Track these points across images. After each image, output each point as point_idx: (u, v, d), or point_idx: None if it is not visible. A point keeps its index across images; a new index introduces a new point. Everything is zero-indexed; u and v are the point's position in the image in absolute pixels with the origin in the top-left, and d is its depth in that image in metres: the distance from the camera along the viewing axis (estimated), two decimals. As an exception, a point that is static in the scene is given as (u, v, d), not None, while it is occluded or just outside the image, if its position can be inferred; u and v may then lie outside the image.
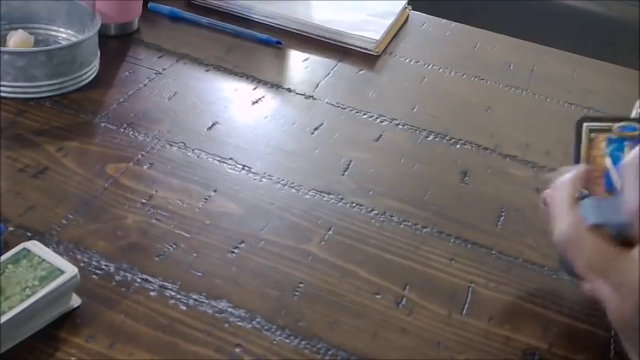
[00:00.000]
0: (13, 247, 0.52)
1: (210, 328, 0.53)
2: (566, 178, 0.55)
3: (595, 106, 0.91)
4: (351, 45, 0.95)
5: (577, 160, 0.58)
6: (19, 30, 0.79)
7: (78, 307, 0.53)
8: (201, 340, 0.52)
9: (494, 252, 0.65)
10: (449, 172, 0.75)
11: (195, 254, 0.60)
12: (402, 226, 0.67)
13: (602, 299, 0.49)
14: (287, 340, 0.53)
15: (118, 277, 0.56)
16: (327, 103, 0.83)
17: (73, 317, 0.52)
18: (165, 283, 0.56)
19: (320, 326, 0.55)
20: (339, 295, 0.58)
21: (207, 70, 0.86)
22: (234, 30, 0.94)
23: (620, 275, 0.48)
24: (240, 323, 0.54)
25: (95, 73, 0.80)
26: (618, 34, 1.74)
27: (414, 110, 0.85)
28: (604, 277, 0.49)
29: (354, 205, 0.68)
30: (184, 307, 0.55)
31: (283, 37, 0.94)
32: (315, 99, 0.84)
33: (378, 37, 0.95)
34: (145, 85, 0.81)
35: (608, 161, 0.56)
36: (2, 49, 0.73)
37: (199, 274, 0.58)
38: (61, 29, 0.84)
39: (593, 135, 0.58)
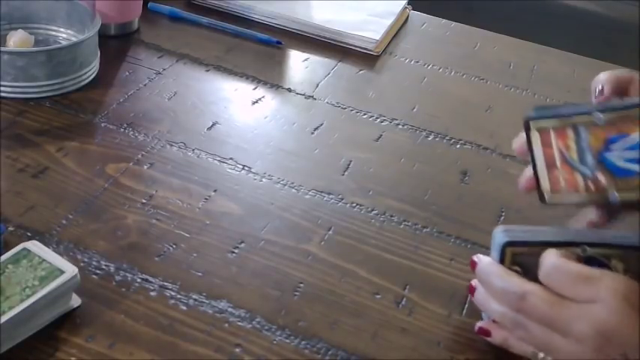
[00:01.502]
0: (13, 247, 0.52)
1: (210, 328, 0.53)
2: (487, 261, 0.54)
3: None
4: (351, 45, 0.95)
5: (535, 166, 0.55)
6: (19, 30, 0.79)
7: (78, 307, 0.53)
8: (201, 340, 0.52)
9: (494, 252, 0.65)
10: (449, 172, 0.75)
11: (195, 254, 0.60)
12: (402, 226, 0.67)
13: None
14: (287, 340, 0.53)
15: (118, 277, 0.56)
16: (327, 103, 0.83)
17: (73, 317, 0.52)
18: (166, 283, 0.56)
19: (320, 326, 0.55)
20: (339, 295, 0.58)
21: (207, 70, 0.86)
22: (234, 30, 0.94)
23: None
24: (240, 323, 0.54)
25: (95, 73, 0.80)
26: (618, 34, 1.74)
27: (414, 110, 0.85)
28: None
29: (354, 205, 0.68)
30: (184, 307, 0.55)
31: (283, 37, 0.94)
32: (315, 99, 0.84)
33: (378, 37, 0.95)
34: (145, 85, 0.81)
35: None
36: (2, 49, 0.73)
37: (199, 274, 0.58)
38: (61, 29, 0.84)
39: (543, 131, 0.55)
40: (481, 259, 0.54)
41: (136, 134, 0.72)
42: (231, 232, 0.62)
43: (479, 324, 0.55)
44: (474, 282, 0.55)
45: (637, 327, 0.45)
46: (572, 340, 0.47)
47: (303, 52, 0.94)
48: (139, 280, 0.56)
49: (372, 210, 0.68)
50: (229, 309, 0.55)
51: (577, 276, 0.48)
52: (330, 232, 0.64)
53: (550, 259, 0.50)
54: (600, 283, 0.47)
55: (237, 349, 0.52)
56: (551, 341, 0.48)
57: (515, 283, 0.51)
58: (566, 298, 0.48)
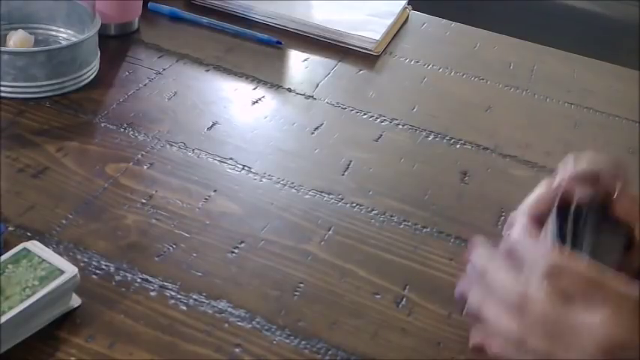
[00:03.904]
0: (13, 247, 0.52)
1: (210, 328, 0.53)
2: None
3: (595, 106, 0.91)
4: (351, 45, 0.95)
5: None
6: (19, 30, 0.79)
7: (78, 307, 0.53)
8: (201, 340, 0.52)
9: (494, 252, 0.65)
10: (449, 172, 0.75)
11: (195, 254, 0.60)
12: (402, 226, 0.67)
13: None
14: (287, 340, 0.53)
15: (118, 277, 0.56)
16: (327, 103, 0.83)
17: (73, 317, 0.52)
18: (166, 283, 0.56)
19: (320, 326, 0.55)
20: (339, 295, 0.58)
21: (207, 70, 0.86)
22: (234, 30, 0.94)
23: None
24: (240, 323, 0.54)
25: (95, 73, 0.80)
26: (618, 34, 1.74)
27: (414, 110, 0.85)
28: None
29: (354, 205, 0.68)
30: (184, 307, 0.55)
31: (283, 37, 0.94)
32: (315, 99, 0.84)
33: (378, 37, 0.95)
34: (145, 85, 0.81)
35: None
36: (2, 49, 0.73)
37: (199, 274, 0.58)
38: (61, 29, 0.84)
39: None
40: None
41: (136, 134, 0.72)
42: (231, 232, 0.62)
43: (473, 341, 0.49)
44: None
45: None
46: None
47: (303, 52, 0.94)
48: (138, 280, 0.56)
49: (372, 210, 0.68)
50: (229, 309, 0.55)
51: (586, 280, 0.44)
52: (330, 232, 0.64)
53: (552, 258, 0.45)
54: (608, 292, 0.43)
55: (237, 349, 0.52)
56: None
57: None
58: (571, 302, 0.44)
